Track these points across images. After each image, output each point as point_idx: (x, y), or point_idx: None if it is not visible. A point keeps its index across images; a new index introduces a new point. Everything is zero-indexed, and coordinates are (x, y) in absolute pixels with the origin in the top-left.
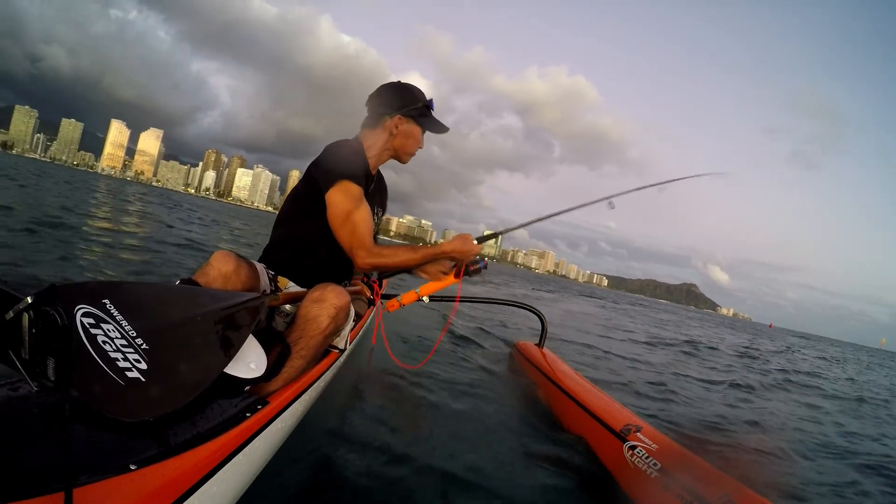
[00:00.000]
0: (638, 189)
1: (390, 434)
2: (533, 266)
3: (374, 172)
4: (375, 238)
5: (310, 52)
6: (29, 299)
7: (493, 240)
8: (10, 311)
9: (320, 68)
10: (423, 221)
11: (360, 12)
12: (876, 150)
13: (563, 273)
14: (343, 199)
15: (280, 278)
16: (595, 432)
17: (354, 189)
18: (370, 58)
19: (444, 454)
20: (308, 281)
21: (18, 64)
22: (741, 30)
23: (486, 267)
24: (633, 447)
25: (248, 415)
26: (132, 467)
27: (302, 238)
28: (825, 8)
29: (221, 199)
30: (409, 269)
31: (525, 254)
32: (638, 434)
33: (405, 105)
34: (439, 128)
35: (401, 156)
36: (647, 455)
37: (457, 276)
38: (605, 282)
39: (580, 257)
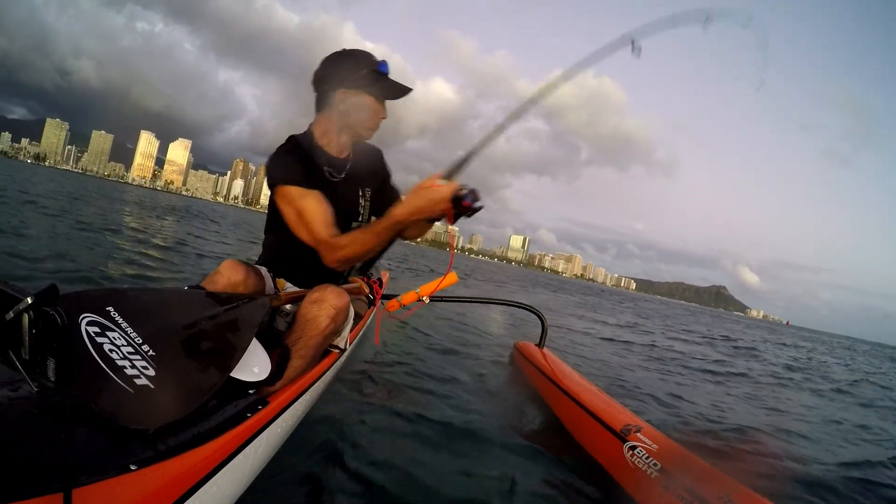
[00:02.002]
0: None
1: (390, 434)
2: (560, 270)
3: (341, 156)
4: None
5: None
6: (29, 300)
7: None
8: (11, 312)
9: None
10: (451, 227)
11: (383, 19)
12: None
13: (591, 277)
14: (284, 204)
15: (279, 280)
16: (595, 432)
17: (290, 191)
18: (394, 64)
19: (443, 453)
20: (304, 282)
21: (49, 77)
22: (775, 20)
23: (478, 199)
24: (633, 447)
25: (248, 415)
26: (132, 467)
27: (288, 243)
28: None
29: (250, 208)
30: (381, 251)
31: (552, 258)
32: (638, 434)
33: (347, 76)
34: (395, 92)
35: (359, 132)
36: (647, 455)
37: (453, 222)
38: (633, 285)
39: (608, 260)
